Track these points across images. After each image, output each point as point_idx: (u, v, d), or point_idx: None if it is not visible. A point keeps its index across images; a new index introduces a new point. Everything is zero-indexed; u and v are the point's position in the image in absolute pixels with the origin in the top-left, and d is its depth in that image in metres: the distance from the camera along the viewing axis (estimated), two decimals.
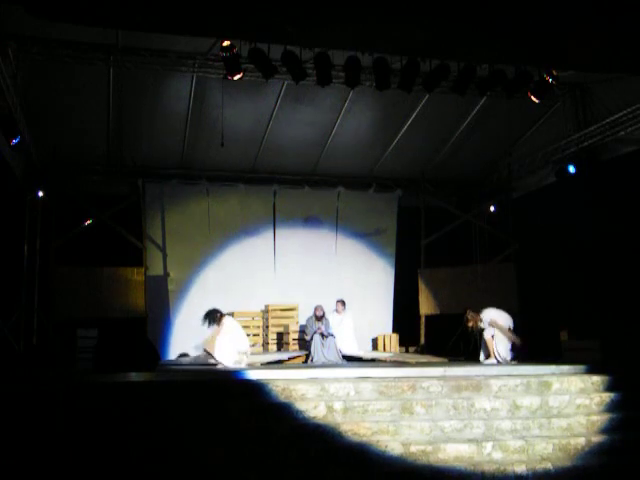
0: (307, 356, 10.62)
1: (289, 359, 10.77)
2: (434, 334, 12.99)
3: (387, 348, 12.37)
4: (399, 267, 13.57)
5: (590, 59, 7.19)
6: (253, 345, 11.99)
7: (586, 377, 7.09)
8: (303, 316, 11.73)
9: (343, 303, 11.49)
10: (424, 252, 13.36)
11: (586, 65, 7.99)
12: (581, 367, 7.67)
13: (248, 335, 11.31)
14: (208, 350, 9.28)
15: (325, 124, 11.49)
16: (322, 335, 10.42)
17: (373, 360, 10.80)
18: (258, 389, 6.57)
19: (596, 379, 7.04)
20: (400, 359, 10.64)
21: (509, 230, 12.96)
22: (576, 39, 6.49)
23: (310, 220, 13.20)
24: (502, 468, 5.58)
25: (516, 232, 12.76)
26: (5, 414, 5.53)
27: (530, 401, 6.62)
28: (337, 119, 11.31)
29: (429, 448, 5.74)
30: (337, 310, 11.38)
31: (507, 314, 9.60)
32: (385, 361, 10.59)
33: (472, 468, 5.56)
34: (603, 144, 10.30)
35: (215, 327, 9.31)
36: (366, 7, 6.08)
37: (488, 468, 5.57)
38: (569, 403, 6.69)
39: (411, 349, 12.41)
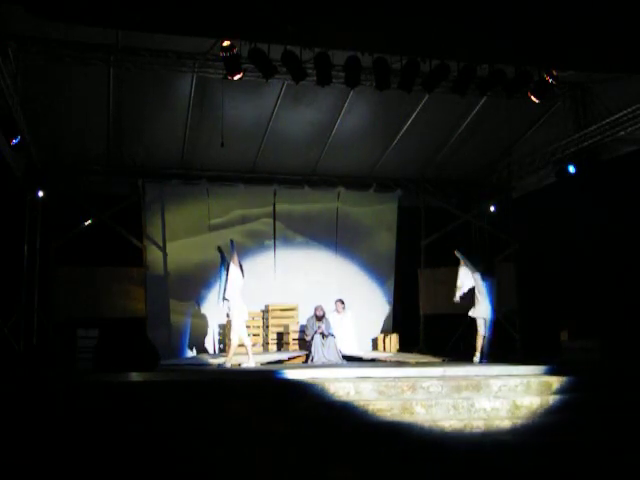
0: (307, 356, 10.62)
1: (289, 359, 10.78)
2: (434, 334, 12.98)
3: (387, 348, 12.37)
4: (399, 267, 13.56)
5: (590, 59, 7.20)
6: (253, 345, 12.00)
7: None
8: (303, 316, 11.73)
9: (343, 303, 11.50)
10: (424, 252, 13.36)
11: (586, 65, 8.01)
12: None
13: (248, 335, 11.33)
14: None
15: (325, 124, 11.48)
16: (322, 335, 10.42)
17: (373, 360, 10.80)
18: (258, 389, 6.58)
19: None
20: (400, 359, 10.65)
21: (509, 230, 12.97)
22: (576, 39, 6.49)
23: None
24: (502, 468, 5.58)
25: (516, 232, 12.77)
26: (5, 414, 5.53)
27: (530, 401, 6.62)
28: (337, 119, 11.30)
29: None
30: (337, 310, 11.39)
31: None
32: (385, 361, 10.60)
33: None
34: (603, 144, 10.29)
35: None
36: (366, 7, 6.08)
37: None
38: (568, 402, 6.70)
39: (411, 349, 12.40)
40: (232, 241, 9.95)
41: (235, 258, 9.58)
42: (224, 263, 9.87)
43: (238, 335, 9.47)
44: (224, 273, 9.74)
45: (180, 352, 11.89)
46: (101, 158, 11.82)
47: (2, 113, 8.47)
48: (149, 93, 10.18)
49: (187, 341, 12.31)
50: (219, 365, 9.62)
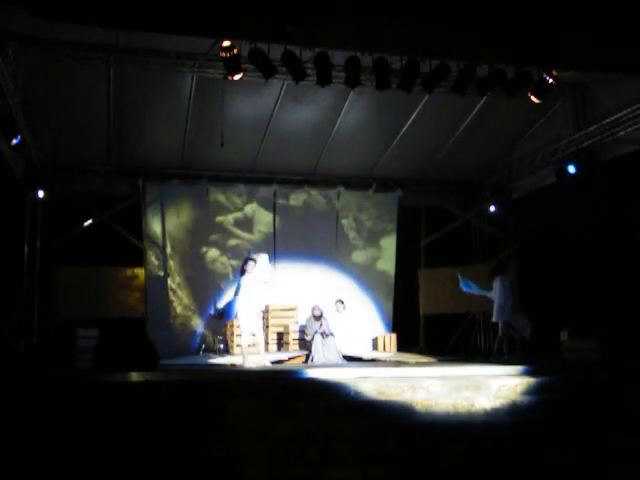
0: (307, 356, 10.63)
1: (289, 359, 10.78)
2: (434, 334, 12.99)
3: (387, 348, 12.37)
4: (399, 267, 13.56)
5: (590, 59, 7.20)
6: (253, 345, 11.99)
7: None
8: (303, 316, 11.74)
9: (343, 303, 11.51)
10: (424, 252, 13.38)
11: (586, 65, 8.01)
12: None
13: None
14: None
15: (325, 124, 11.49)
16: (323, 335, 10.43)
17: (373, 360, 10.80)
18: (258, 389, 6.57)
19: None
20: (400, 359, 10.65)
21: (509, 230, 12.97)
22: (576, 39, 6.50)
23: None
24: (502, 467, 5.59)
25: (516, 232, 12.77)
26: (5, 414, 5.53)
27: (530, 400, 6.62)
28: (337, 119, 11.31)
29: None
30: (337, 310, 11.40)
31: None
32: (385, 361, 10.60)
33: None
34: (603, 144, 10.30)
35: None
36: (366, 8, 6.09)
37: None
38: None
39: (411, 349, 12.41)
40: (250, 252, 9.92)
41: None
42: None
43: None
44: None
45: (180, 352, 11.88)
46: (101, 158, 11.83)
47: (2, 113, 8.48)
48: (149, 93, 10.19)
49: (187, 341, 12.31)
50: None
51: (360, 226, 13.60)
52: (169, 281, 12.29)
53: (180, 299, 12.33)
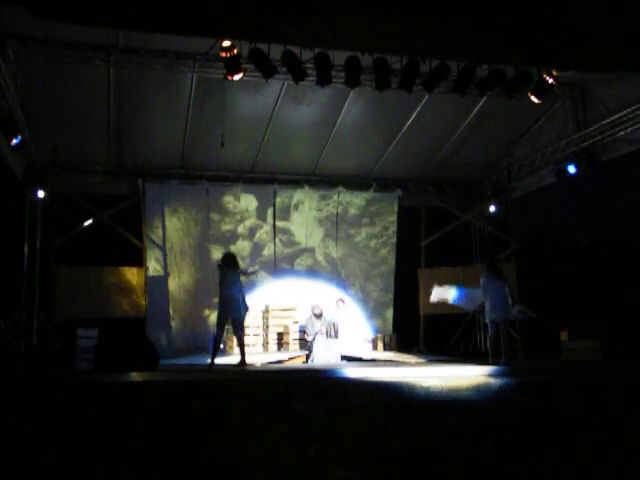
0: (307, 356, 10.63)
1: (289, 359, 10.78)
2: (434, 334, 12.99)
3: (387, 348, 12.37)
4: (399, 267, 13.57)
5: (590, 59, 7.21)
6: (253, 345, 12.00)
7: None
8: (303, 316, 11.74)
9: (343, 302, 11.52)
10: (424, 252, 13.36)
11: (586, 65, 8.02)
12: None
13: (248, 335, 11.33)
14: None
15: (325, 124, 11.49)
16: (327, 333, 10.45)
17: (373, 360, 10.80)
18: (258, 389, 6.58)
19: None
20: (400, 359, 10.64)
21: (509, 230, 12.97)
22: (576, 39, 6.50)
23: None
24: (502, 468, 5.58)
25: (516, 232, 12.77)
26: (5, 414, 5.53)
27: (529, 400, 6.62)
28: (337, 119, 11.31)
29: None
30: (338, 307, 11.41)
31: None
32: (385, 361, 10.60)
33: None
34: (603, 144, 10.30)
35: None
36: (366, 8, 6.09)
37: None
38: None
39: (411, 349, 12.41)
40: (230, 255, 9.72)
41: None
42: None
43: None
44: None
45: (180, 352, 11.88)
46: (101, 158, 11.83)
47: (2, 113, 8.48)
48: (149, 93, 10.19)
49: (187, 341, 12.31)
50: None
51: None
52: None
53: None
